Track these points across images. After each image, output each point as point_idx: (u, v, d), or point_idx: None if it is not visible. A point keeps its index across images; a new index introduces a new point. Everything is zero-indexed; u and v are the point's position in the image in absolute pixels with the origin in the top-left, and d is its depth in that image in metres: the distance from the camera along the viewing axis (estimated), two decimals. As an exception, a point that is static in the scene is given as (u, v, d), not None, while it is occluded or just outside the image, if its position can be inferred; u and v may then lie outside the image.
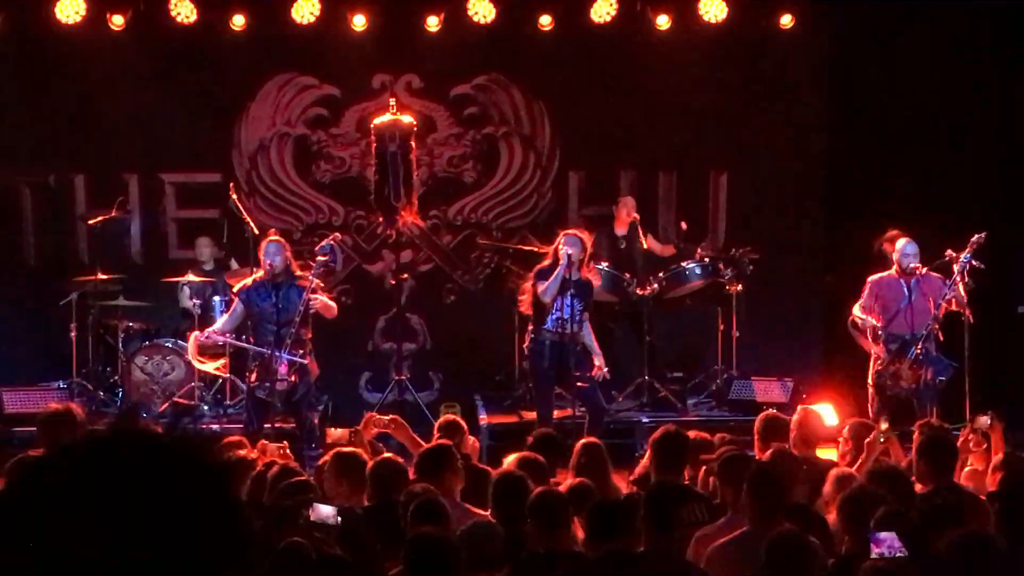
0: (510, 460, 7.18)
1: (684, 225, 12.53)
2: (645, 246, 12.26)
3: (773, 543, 5.15)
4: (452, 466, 6.77)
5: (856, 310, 10.75)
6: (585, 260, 10.41)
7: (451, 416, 9.05)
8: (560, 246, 10.30)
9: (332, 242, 10.72)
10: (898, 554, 5.02)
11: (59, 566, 1.25)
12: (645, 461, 7.67)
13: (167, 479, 1.30)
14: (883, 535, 5.08)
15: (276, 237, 10.40)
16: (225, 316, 10.48)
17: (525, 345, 10.70)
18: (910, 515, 5.54)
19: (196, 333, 10.50)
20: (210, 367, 11.05)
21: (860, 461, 7.55)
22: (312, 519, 5.34)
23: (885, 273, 10.72)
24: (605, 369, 10.46)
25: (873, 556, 5.03)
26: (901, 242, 10.67)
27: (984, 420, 7.93)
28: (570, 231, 10.64)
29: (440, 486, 6.40)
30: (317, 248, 10.48)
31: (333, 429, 8.47)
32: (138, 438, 1.35)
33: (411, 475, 6.83)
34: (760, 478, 6.12)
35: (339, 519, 5.44)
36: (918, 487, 6.78)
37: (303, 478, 6.65)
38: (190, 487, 1.31)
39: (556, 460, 7.55)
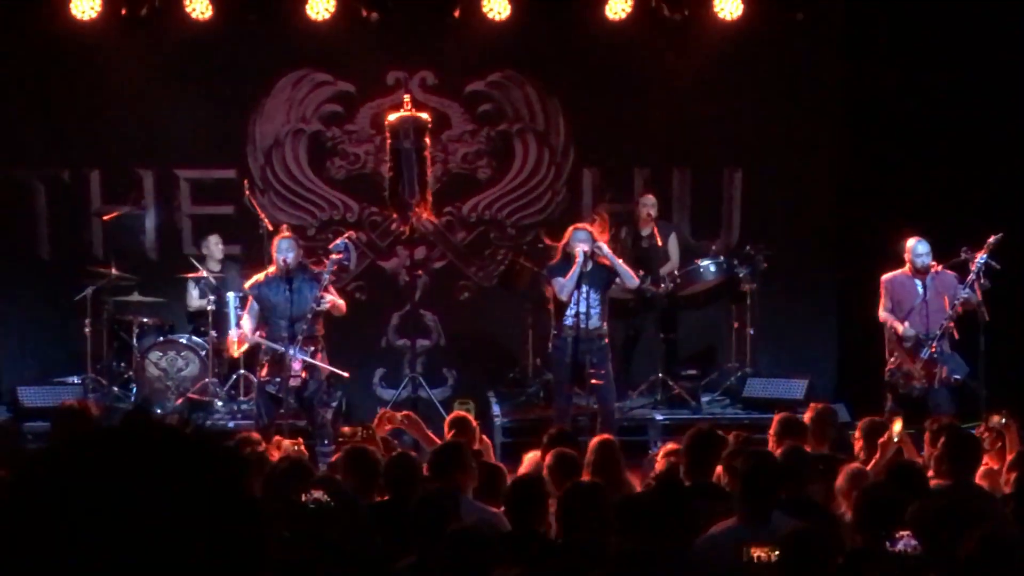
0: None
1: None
2: (659, 243, 12.22)
3: (788, 540, 5.13)
4: (465, 464, 6.75)
5: (881, 312, 10.68)
6: (602, 246, 10.38)
7: (460, 412, 9.04)
8: (571, 243, 10.29)
9: (347, 240, 10.66)
10: (913, 552, 5.00)
11: (67, 559, 1.24)
12: (667, 458, 7.62)
13: (179, 470, 1.29)
14: (898, 532, 5.07)
15: (288, 234, 10.40)
16: (246, 316, 10.44)
17: (550, 343, 10.69)
18: (927, 511, 5.52)
19: (238, 331, 10.36)
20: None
21: (874, 459, 7.53)
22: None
23: (898, 271, 10.66)
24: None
25: (888, 553, 5.02)
26: (911, 241, 10.59)
27: (998, 418, 7.90)
28: (579, 225, 10.64)
29: (453, 484, 6.39)
30: (332, 246, 10.45)
31: (346, 427, 8.47)
32: (149, 430, 1.33)
33: (425, 472, 6.83)
34: (752, 471, 6.06)
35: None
36: (932, 483, 6.76)
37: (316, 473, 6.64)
38: (203, 479, 1.29)
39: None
